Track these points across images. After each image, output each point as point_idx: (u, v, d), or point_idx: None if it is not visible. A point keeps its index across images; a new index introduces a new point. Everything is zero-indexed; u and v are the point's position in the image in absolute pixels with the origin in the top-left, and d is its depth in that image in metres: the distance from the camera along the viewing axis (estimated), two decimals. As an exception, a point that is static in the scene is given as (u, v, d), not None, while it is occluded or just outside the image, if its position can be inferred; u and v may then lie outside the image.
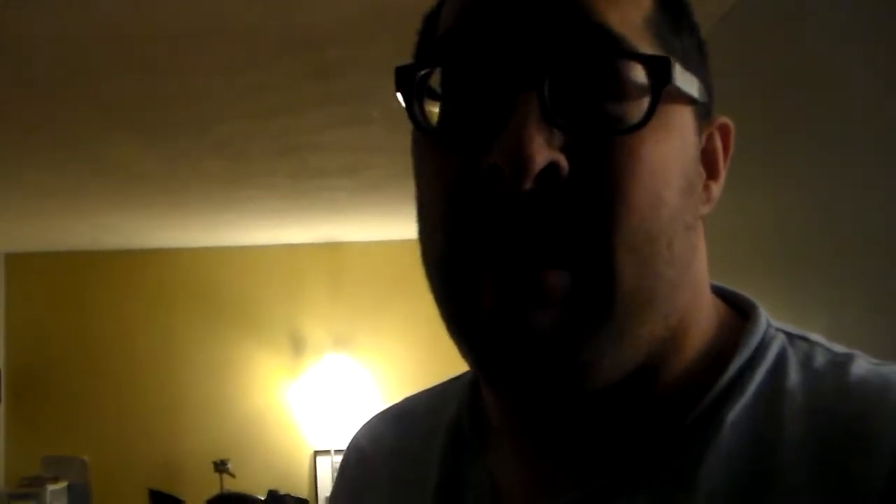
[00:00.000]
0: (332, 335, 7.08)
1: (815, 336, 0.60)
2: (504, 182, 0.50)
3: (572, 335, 0.51)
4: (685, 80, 0.54)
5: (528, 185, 0.49)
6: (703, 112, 0.58)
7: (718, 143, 0.60)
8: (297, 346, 7.14)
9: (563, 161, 0.50)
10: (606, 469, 0.56)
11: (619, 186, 0.51)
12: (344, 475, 0.76)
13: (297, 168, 4.60)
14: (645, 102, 0.51)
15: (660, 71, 0.51)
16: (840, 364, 0.56)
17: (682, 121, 0.55)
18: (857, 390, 0.54)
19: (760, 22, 2.50)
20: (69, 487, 6.31)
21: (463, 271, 0.53)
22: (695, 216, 0.56)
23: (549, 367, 0.52)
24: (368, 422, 0.78)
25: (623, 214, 0.51)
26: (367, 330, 6.93)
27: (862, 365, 0.56)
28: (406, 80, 0.55)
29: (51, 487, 6.17)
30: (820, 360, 0.57)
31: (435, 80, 0.56)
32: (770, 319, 0.60)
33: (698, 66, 0.57)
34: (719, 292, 0.63)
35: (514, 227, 0.51)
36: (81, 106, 3.42)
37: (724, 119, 0.60)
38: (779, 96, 2.38)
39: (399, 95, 0.55)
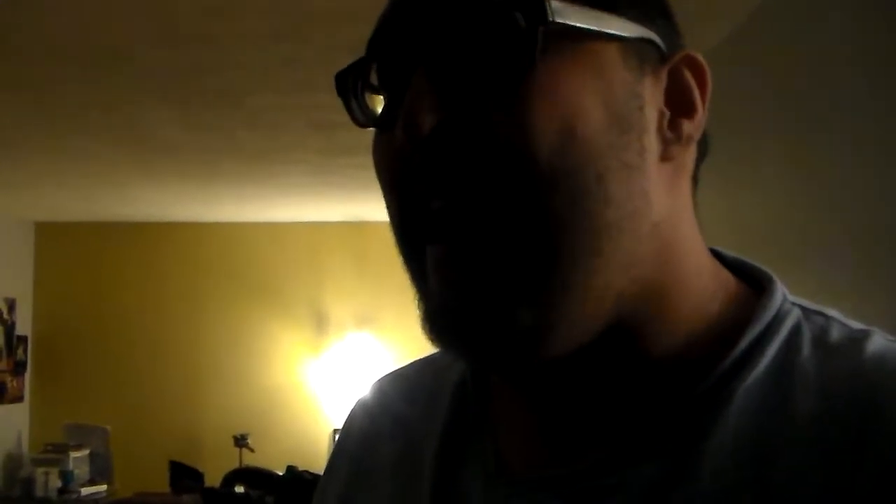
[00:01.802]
0: (356, 314, 7.10)
1: (832, 311, 0.58)
2: (407, 149, 0.52)
3: (509, 299, 0.51)
4: (588, 18, 0.53)
5: (423, 137, 0.51)
6: (648, 49, 0.56)
7: (689, 79, 0.57)
8: (320, 323, 7.17)
9: (456, 115, 0.52)
10: (613, 439, 0.56)
11: (521, 121, 0.51)
12: (349, 435, 0.75)
13: (328, 144, 4.59)
14: (532, 46, 0.52)
15: (534, 12, 0.51)
16: (856, 340, 0.55)
17: (597, 58, 0.53)
18: (872, 367, 0.52)
19: (780, 25, 2.53)
20: (91, 455, 6.40)
21: (413, 255, 0.56)
22: (639, 154, 0.54)
23: (494, 336, 0.52)
24: (375, 383, 0.77)
25: (530, 146, 0.50)
26: (391, 309, 6.93)
27: (879, 341, 0.54)
28: (343, 83, 0.59)
29: (73, 454, 6.26)
30: (835, 335, 0.56)
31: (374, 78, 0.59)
32: (787, 293, 0.59)
33: (631, 7, 0.56)
34: (736, 264, 0.62)
35: (426, 186, 0.53)
36: (116, 74, 3.43)
37: (688, 53, 0.58)
38: (798, 93, 2.40)
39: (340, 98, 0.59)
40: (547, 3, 0.51)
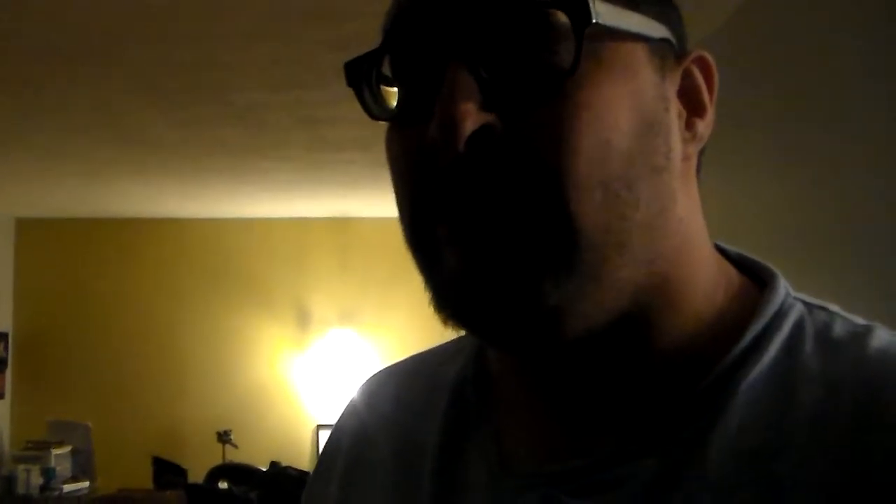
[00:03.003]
0: (339, 310, 7.09)
1: (834, 307, 0.58)
2: (441, 151, 0.51)
3: (535, 278, 0.51)
4: (623, 18, 0.53)
5: (461, 149, 0.50)
6: (668, 49, 0.56)
7: (699, 79, 0.58)
8: (302, 319, 7.16)
9: (494, 121, 0.51)
10: (614, 434, 0.56)
11: (559, 135, 0.51)
12: (343, 434, 0.74)
13: (312, 140, 4.59)
14: (572, 47, 0.51)
15: (578, 12, 0.51)
16: (859, 335, 0.55)
17: (630, 60, 0.54)
18: (874, 362, 0.53)
19: (773, 17, 2.51)
20: (73, 452, 6.36)
21: (427, 241, 0.54)
22: (666, 156, 0.54)
23: (518, 312, 0.52)
24: (372, 378, 0.77)
25: (567, 163, 0.50)
26: (374, 305, 6.94)
27: (881, 336, 0.54)
28: (355, 73, 0.57)
29: (55, 451, 6.22)
30: (838, 330, 0.56)
31: (387, 68, 0.57)
32: (789, 288, 0.59)
33: (652, 4, 0.56)
34: (739, 259, 0.62)
35: (457, 192, 0.51)
36: (100, 70, 3.41)
37: (699, 52, 0.59)
38: (797, 88, 2.39)
39: (351, 88, 0.57)
40: (591, 4, 0.51)
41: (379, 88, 0.57)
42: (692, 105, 0.58)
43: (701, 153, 0.60)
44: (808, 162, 2.32)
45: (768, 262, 0.62)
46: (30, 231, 7.20)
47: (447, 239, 0.53)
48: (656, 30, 0.55)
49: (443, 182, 0.52)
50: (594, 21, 0.51)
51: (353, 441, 0.72)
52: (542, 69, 0.51)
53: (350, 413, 0.75)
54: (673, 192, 0.55)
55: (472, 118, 0.50)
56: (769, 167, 2.57)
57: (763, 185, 2.62)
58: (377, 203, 6.18)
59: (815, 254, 2.23)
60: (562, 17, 0.51)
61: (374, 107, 0.57)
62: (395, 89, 0.57)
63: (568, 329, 0.53)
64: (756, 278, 0.61)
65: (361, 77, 0.57)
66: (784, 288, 0.59)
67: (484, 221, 0.51)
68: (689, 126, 0.57)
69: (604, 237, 0.51)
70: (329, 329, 7.08)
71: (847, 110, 2.11)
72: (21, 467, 6.16)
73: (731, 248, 0.63)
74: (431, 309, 0.56)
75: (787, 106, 2.42)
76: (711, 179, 0.63)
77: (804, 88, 2.33)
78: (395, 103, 0.57)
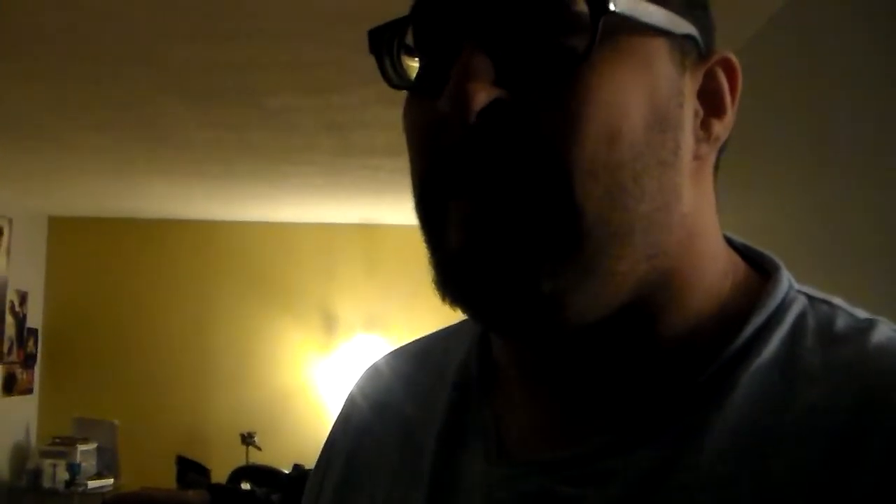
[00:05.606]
0: (365, 316, 7.10)
1: (837, 300, 0.58)
2: (452, 124, 0.51)
3: (532, 264, 0.51)
4: (644, 11, 0.53)
5: (472, 121, 0.50)
6: (691, 46, 0.56)
7: (723, 80, 0.58)
8: (328, 324, 7.18)
9: (506, 97, 0.51)
10: (614, 423, 0.55)
11: (570, 117, 0.51)
12: (349, 421, 0.74)
13: (341, 145, 4.60)
14: (589, 34, 0.51)
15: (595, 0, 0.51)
16: (861, 330, 0.54)
17: (647, 52, 0.54)
18: (876, 357, 0.52)
19: (801, 29, 2.51)
20: (98, 449, 6.42)
21: (433, 212, 0.55)
22: (673, 152, 0.54)
23: (513, 297, 0.52)
24: (380, 361, 0.77)
25: (575, 145, 0.51)
26: (400, 312, 6.93)
27: (884, 331, 0.54)
28: (377, 40, 0.58)
29: (81, 448, 6.29)
30: (841, 324, 0.55)
31: (410, 38, 0.58)
32: (793, 281, 0.59)
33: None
34: (744, 251, 0.62)
35: (467, 165, 0.52)
36: (133, 69, 3.44)
37: (725, 54, 0.58)
38: (818, 97, 2.39)
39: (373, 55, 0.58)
40: None
41: (400, 58, 0.58)
42: (712, 105, 0.57)
43: (720, 153, 0.59)
44: (836, 171, 2.31)
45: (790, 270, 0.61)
46: (62, 229, 7.28)
47: (454, 216, 0.53)
48: (680, 25, 0.55)
49: (454, 154, 0.52)
50: (612, 9, 0.51)
51: (357, 428, 0.72)
52: (557, 53, 0.51)
53: (355, 401, 0.75)
54: (677, 188, 0.55)
55: (483, 93, 0.50)
56: (790, 176, 2.56)
57: (785, 193, 2.61)
58: (403, 210, 6.16)
59: (837, 261, 2.22)
60: (581, 4, 0.51)
61: (393, 75, 0.58)
62: (416, 60, 0.58)
63: (564, 319, 0.53)
64: (760, 270, 0.60)
65: (384, 45, 0.58)
66: (787, 280, 0.58)
67: (490, 200, 0.51)
68: (705, 126, 0.57)
69: (605, 228, 0.51)
70: (355, 334, 7.09)
71: (869, 120, 2.10)
72: (47, 462, 6.23)
73: (737, 238, 0.63)
74: (440, 299, 0.56)
75: (817, 117, 2.41)
76: (732, 186, 0.62)
77: (828, 99, 2.32)
78: (414, 74, 0.58)
